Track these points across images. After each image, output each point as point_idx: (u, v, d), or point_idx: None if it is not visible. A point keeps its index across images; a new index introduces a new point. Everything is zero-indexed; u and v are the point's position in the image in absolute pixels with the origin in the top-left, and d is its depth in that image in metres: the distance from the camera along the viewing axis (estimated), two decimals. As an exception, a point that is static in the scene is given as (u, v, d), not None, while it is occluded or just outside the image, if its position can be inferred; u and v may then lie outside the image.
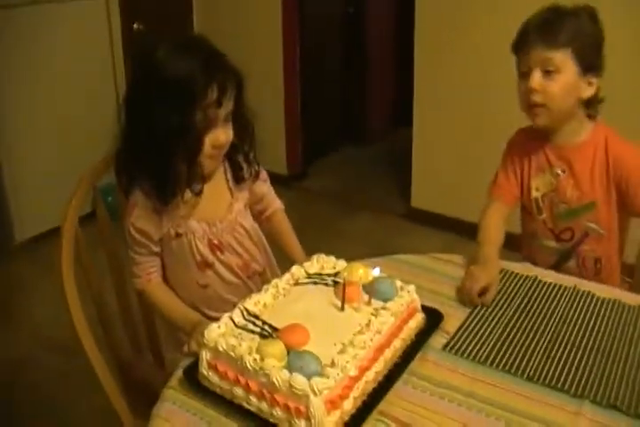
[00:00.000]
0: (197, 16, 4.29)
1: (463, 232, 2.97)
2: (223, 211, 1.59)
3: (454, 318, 1.43)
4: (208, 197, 1.54)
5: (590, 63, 1.59)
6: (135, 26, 3.84)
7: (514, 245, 1.89)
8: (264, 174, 1.70)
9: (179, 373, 1.27)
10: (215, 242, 1.58)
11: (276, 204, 1.77)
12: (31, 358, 2.63)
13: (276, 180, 1.80)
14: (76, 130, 3.63)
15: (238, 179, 1.61)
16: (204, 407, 1.19)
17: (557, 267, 1.76)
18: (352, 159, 4.77)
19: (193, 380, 1.23)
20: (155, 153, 1.41)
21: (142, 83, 1.42)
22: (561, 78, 1.57)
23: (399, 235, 3.54)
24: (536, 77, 1.58)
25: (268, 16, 4.06)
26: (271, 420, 1.12)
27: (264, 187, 1.72)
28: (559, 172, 1.70)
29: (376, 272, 1.36)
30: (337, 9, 4.71)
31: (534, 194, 1.75)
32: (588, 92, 1.62)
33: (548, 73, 1.57)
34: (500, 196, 1.79)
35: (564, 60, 1.56)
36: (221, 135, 1.43)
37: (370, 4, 4.78)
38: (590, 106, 1.68)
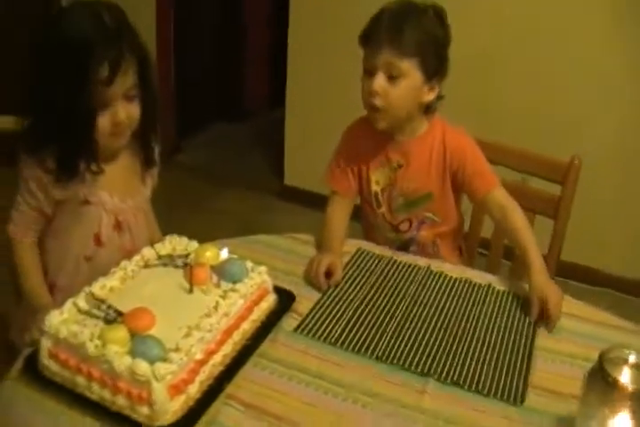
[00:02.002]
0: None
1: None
2: (134, 191, 1.57)
3: (307, 299, 1.43)
4: (119, 178, 1.52)
5: (435, 71, 1.58)
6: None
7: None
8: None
9: (19, 363, 1.21)
10: (120, 219, 1.54)
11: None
12: None
13: None
14: None
15: (149, 161, 1.57)
16: (45, 399, 1.13)
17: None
18: (227, 137, 4.70)
19: (33, 370, 1.17)
20: (51, 129, 1.36)
21: (36, 55, 1.35)
22: (404, 84, 1.55)
23: (271, 213, 3.53)
24: (379, 81, 1.55)
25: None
26: (113, 408, 1.09)
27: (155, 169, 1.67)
28: (397, 166, 1.71)
29: (224, 254, 1.34)
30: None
31: (374, 188, 1.75)
32: (429, 97, 1.62)
33: (391, 78, 1.55)
34: (339, 189, 1.77)
35: (410, 68, 1.54)
36: (121, 113, 1.37)
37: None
38: (429, 107, 1.68)
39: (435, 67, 1.58)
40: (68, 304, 1.20)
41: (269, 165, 4.14)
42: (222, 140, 4.65)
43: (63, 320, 1.15)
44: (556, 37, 2.88)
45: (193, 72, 4.46)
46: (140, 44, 1.38)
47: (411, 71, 1.54)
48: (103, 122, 1.37)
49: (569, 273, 2.65)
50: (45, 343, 1.15)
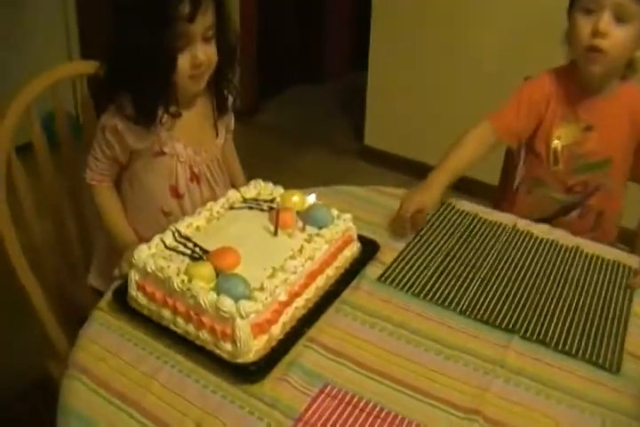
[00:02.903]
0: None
1: (416, 173, 2.95)
2: (208, 143, 1.56)
3: (391, 249, 1.41)
4: (194, 126, 1.52)
5: None
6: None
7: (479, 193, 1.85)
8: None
9: (108, 294, 1.24)
10: (195, 171, 1.54)
11: (229, 135, 1.73)
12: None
13: None
14: (22, 55, 3.46)
15: (222, 110, 1.57)
16: (132, 329, 1.16)
17: (556, 217, 1.72)
18: (307, 98, 4.68)
19: (122, 301, 1.20)
20: (132, 72, 1.36)
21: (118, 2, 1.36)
22: (630, 29, 1.47)
23: (350, 173, 3.50)
24: (606, 21, 1.46)
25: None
26: (197, 342, 1.10)
27: (231, 120, 1.68)
28: (587, 126, 1.63)
29: (311, 199, 1.33)
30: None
31: (554, 143, 1.66)
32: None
33: (618, 20, 1.46)
34: (498, 125, 1.65)
35: (638, 12, 1.46)
36: (200, 54, 1.36)
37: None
38: (631, 66, 1.59)
39: None
40: (156, 240, 1.21)
41: (350, 126, 4.11)
42: (303, 101, 4.63)
43: (151, 255, 1.17)
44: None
45: (275, 33, 4.43)
46: None
47: (637, 16, 1.46)
48: (183, 62, 1.36)
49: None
50: (134, 276, 1.16)
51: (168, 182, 1.52)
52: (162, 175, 1.52)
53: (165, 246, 1.21)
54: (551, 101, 1.64)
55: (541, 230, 1.55)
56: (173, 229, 1.24)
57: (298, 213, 1.31)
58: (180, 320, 1.11)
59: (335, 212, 1.33)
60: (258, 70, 4.26)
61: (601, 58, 1.50)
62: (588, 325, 1.25)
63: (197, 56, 1.36)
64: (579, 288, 1.35)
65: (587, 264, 1.44)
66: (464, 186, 1.81)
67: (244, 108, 4.18)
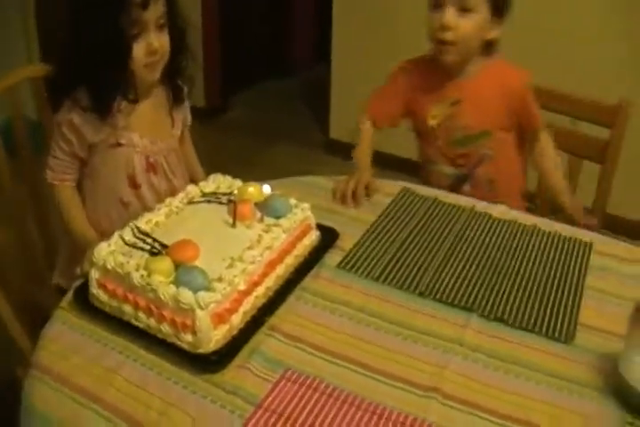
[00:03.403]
0: None
1: (380, 164, 2.98)
2: (164, 133, 1.59)
3: (351, 236, 1.43)
4: (150, 117, 1.54)
5: (501, 6, 1.60)
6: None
7: (411, 171, 1.94)
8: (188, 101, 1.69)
9: (69, 294, 1.25)
10: (151, 160, 1.56)
11: (187, 132, 1.75)
12: None
13: (193, 112, 1.74)
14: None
15: (177, 99, 1.60)
16: (94, 327, 1.17)
17: (452, 190, 1.77)
18: (274, 92, 4.68)
19: (83, 300, 1.21)
20: (87, 62, 1.39)
21: None
22: (474, 18, 1.58)
23: (317, 165, 3.51)
24: (450, 14, 1.57)
25: None
26: (159, 336, 1.11)
27: (187, 114, 1.71)
28: (455, 101, 1.72)
29: (266, 189, 1.35)
30: None
31: (430, 122, 1.76)
32: (492, 33, 1.64)
33: (462, 11, 1.57)
34: (376, 115, 1.83)
35: (479, 3, 1.57)
36: (154, 41, 1.40)
37: None
38: (490, 46, 1.69)
39: (502, 2, 1.60)
40: (115, 237, 1.22)
41: (316, 119, 4.12)
42: (269, 96, 4.63)
43: (110, 252, 1.18)
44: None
45: (239, 27, 4.42)
46: None
47: (480, 5, 1.57)
48: (138, 50, 1.40)
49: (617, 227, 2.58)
50: (94, 274, 1.17)
51: (125, 173, 1.54)
52: (119, 166, 1.54)
53: (125, 243, 1.22)
54: (418, 87, 1.75)
55: (500, 211, 1.58)
56: (132, 226, 1.25)
57: (256, 204, 1.32)
58: (141, 315, 1.12)
59: (293, 201, 1.35)
60: (223, 67, 4.26)
61: (451, 49, 1.62)
62: (545, 300, 1.27)
63: (152, 43, 1.40)
64: (535, 265, 1.38)
65: (544, 241, 1.47)
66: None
67: (211, 105, 4.18)
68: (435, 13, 1.59)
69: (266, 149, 3.81)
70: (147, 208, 1.55)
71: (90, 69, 1.41)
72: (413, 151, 1.93)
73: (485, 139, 1.74)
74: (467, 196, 1.70)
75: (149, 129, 1.55)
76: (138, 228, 1.25)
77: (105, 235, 1.54)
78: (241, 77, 4.54)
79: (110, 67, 1.40)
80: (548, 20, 2.91)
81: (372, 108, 1.84)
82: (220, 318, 1.09)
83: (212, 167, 1.80)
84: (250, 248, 1.19)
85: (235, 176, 1.46)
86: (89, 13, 1.36)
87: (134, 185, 1.57)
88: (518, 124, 1.75)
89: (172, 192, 1.58)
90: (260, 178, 1.49)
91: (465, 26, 1.58)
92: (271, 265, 1.22)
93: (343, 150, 3.57)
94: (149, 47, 1.40)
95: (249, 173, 1.50)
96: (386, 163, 1.82)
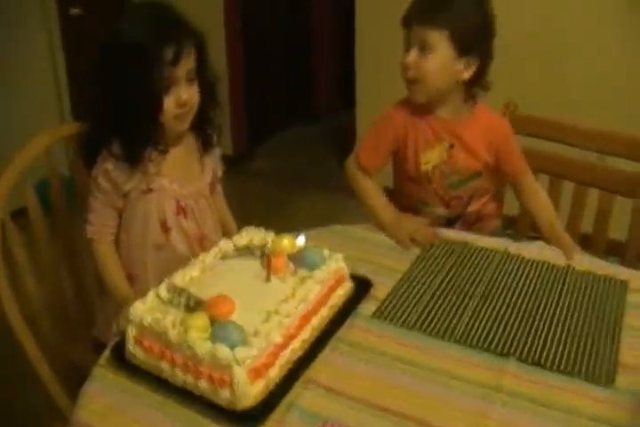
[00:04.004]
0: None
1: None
2: (194, 178, 1.63)
3: (384, 285, 1.44)
4: (180, 163, 1.59)
5: (468, 46, 1.62)
6: (73, 10, 3.74)
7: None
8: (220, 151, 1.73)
9: (107, 351, 1.26)
10: (182, 204, 1.60)
11: (218, 186, 1.79)
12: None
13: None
14: (15, 116, 3.54)
15: (206, 145, 1.64)
16: (132, 384, 1.17)
17: None
18: (298, 140, 4.75)
19: (120, 357, 1.22)
20: (119, 116, 1.46)
21: (103, 53, 1.46)
22: (434, 57, 1.62)
23: (346, 212, 3.52)
24: (411, 54, 1.63)
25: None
26: (196, 392, 1.12)
27: (218, 166, 1.74)
28: (449, 145, 1.74)
29: (300, 241, 1.36)
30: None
31: (424, 167, 1.77)
32: (465, 74, 1.66)
33: (423, 51, 1.62)
34: (370, 166, 1.82)
35: (439, 41, 1.60)
36: (183, 94, 1.46)
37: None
38: (472, 87, 1.72)
39: (468, 42, 1.62)
40: (151, 294, 1.24)
41: (342, 165, 4.15)
42: (294, 143, 4.70)
43: (146, 309, 1.19)
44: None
45: (262, 77, 4.51)
46: (196, 29, 1.48)
47: (440, 44, 1.61)
48: (169, 103, 1.45)
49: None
50: (131, 332, 1.19)
51: (157, 217, 1.58)
52: (151, 211, 1.57)
53: (161, 300, 1.23)
54: (409, 130, 1.75)
55: (532, 252, 1.58)
56: (167, 283, 1.27)
57: (289, 256, 1.34)
58: (178, 372, 1.13)
59: (326, 252, 1.36)
60: (249, 115, 4.34)
61: (415, 88, 1.67)
62: (583, 342, 1.27)
63: (181, 97, 1.45)
64: (571, 306, 1.38)
65: (578, 282, 1.47)
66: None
67: (236, 155, 4.24)
68: (403, 53, 1.66)
69: (294, 197, 3.85)
70: (178, 252, 1.60)
71: (122, 123, 1.47)
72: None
73: (477, 180, 1.79)
74: None
75: (179, 174, 1.59)
76: (173, 284, 1.27)
77: (138, 280, 1.61)
78: (267, 125, 4.62)
79: (141, 121, 1.46)
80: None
81: (364, 160, 1.82)
82: (257, 373, 1.10)
83: (240, 216, 1.84)
84: (285, 301, 1.20)
85: (264, 225, 1.47)
86: (121, 71, 1.41)
87: (165, 229, 1.60)
88: (502, 168, 1.80)
89: (201, 238, 1.64)
90: (290, 227, 1.51)
91: (425, 64, 1.62)
92: (306, 317, 1.22)
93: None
94: (179, 100, 1.45)
95: (279, 222, 1.52)
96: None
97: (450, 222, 1.83)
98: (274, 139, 4.71)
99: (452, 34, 1.60)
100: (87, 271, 1.70)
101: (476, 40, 1.64)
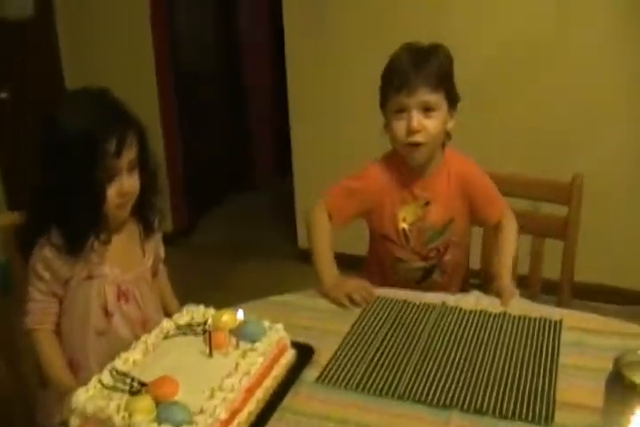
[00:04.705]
0: (68, 76, 4.21)
1: (351, 266, 3.06)
2: (135, 263, 1.65)
3: (328, 350, 1.46)
4: (122, 249, 1.61)
5: (455, 99, 1.73)
6: (2, 95, 3.72)
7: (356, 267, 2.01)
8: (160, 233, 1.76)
9: (52, 445, 1.25)
10: (123, 289, 1.61)
11: (161, 265, 1.82)
12: None
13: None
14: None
15: (148, 231, 1.66)
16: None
17: (422, 282, 1.86)
18: (239, 208, 4.80)
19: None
20: (59, 205, 1.47)
21: (44, 142, 1.49)
22: (438, 116, 1.69)
23: (290, 276, 3.55)
24: (418, 118, 1.67)
25: (142, 70, 4.05)
26: (148, 477, 1.12)
27: (160, 248, 1.77)
28: (425, 202, 1.80)
29: (240, 315, 1.38)
30: (211, 58, 4.79)
31: (401, 225, 1.82)
32: (451, 124, 1.75)
33: (426, 112, 1.67)
34: (334, 212, 1.82)
35: (440, 101, 1.68)
36: (125, 183, 1.49)
37: (245, 47, 4.91)
38: (448, 138, 1.80)
39: (454, 95, 1.72)
40: (93, 381, 1.23)
41: (283, 230, 4.21)
42: (235, 214, 4.74)
43: (89, 397, 1.19)
44: (554, 52, 3.02)
45: (200, 151, 4.57)
46: (137, 119, 1.52)
47: (441, 103, 1.68)
48: (111, 193, 1.48)
49: (586, 293, 2.63)
50: (74, 422, 1.18)
51: (98, 303, 1.59)
52: (91, 297, 1.58)
53: (103, 386, 1.24)
54: (385, 189, 1.80)
55: (469, 302, 1.63)
56: (110, 368, 1.27)
57: (230, 331, 1.36)
58: (127, 458, 1.13)
59: (267, 323, 1.39)
60: (187, 190, 4.37)
61: (421, 149, 1.71)
62: (522, 384, 1.31)
63: (123, 186, 1.48)
64: (509, 351, 1.42)
65: (514, 327, 1.52)
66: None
67: (177, 230, 4.25)
68: (399, 117, 1.69)
69: (237, 267, 3.88)
70: (120, 336, 1.60)
71: (62, 212, 1.48)
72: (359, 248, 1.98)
73: (450, 228, 1.83)
74: (436, 283, 1.81)
75: (120, 259, 1.61)
76: (115, 369, 1.27)
77: (79, 366, 1.60)
78: (206, 197, 4.65)
79: (83, 211, 1.48)
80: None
81: (331, 204, 1.83)
82: (205, 451, 1.10)
83: (183, 291, 1.85)
84: (228, 376, 1.21)
85: (207, 299, 1.49)
86: (62, 158, 1.44)
87: (107, 314, 1.60)
88: (479, 214, 1.84)
89: (143, 321, 1.65)
90: (235, 299, 1.53)
91: (432, 125, 1.68)
92: (251, 390, 1.24)
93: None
94: (121, 189, 1.49)
95: (223, 295, 1.55)
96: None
97: (427, 273, 1.87)
98: (213, 211, 4.75)
99: (446, 91, 1.69)
100: (25, 361, 1.68)
101: (455, 90, 1.73)
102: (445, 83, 1.69)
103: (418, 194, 1.79)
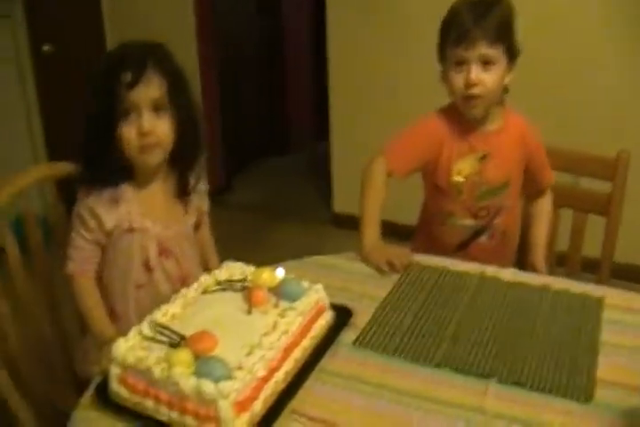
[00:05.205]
0: (110, 34, 4.24)
1: (387, 232, 3.04)
2: (176, 220, 1.64)
3: (364, 313, 1.45)
4: (161, 204, 1.61)
5: (514, 53, 1.70)
6: (45, 48, 3.77)
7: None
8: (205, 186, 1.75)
9: (90, 391, 1.26)
10: (164, 245, 1.61)
11: (205, 218, 1.81)
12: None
13: None
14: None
15: (183, 192, 1.64)
16: (116, 423, 1.17)
17: (468, 243, 1.85)
18: (275, 170, 4.81)
19: (103, 397, 1.22)
20: (88, 143, 1.48)
21: (86, 83, 1.50)
22: (496, 70, 1.67)
23: (325, 240, 3.58)
24: (474, 71, 1.66)
25: (183, 31, 4.05)
26: (182, 428, 1.13)
27: (204, 202, 1.76)
28: (483, 155, 1.78)
29: (280, 273, 1.37)
30: (253, 22, 4.74)
31: (456, 178, 1.79)
32: (508, 78, 1.72)
33: (485, 65, 1.66)
34: (395, 169, 1.79)
35: (500, 55, 1.66)
36: (146, 123, 1.45)
37: (286, 16, 4.82)
38: (505, 92, 1.78)
39: (514, 49, 1.69)
40: (133, 332, 1.24)
41: (319, 194, 4.20)
42: (271, 174, 4.75)
43: (129, 347, 1.20)
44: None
45: (237, 108, 4.56)
46: (171, 68, 1.49)
47: (500, 57, 1.66)
48: (129, 131, 1.45)
49: (625, 274, 2.59)
50: (114, 371, 1.19)
51: (140, 257, 1.59)
52: (133, 251, 1.58)
53: (143, 337, 1.24)
54: (445, 140, 1.78)
55: (509, 274, 1.61)
56: (150, 320, 1.28)
57: (270, 289, 1.35)
58: (163, 408, 1.13)
59: (306, 284, 1.38)
60: (225, 148, 4.37)
61: (479, 102, 1.69)
62: (561, 360, 1.29)
63: (143, 125, 1.44)
64: (549, 325, 1.40)
65: (555, 301, 1.49)
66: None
67: (214, 188, 4.25)
68: (458, 70, 1.68)
69: (273, 228, 3.89)
70: (160, 291, 1.61)
71: (91, 149, 1.49)
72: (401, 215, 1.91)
73: (505, 190, 1.81)
74: (484, 247, 1.81)
75: (162, 215, 1.60)
76: (155, 321, 1.28)
77: (119, 316, 1.61)
78: (243, 157, 4.65)
79: (103, 145, 1.46)
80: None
81: (392, 158, 1.80)
82: (242, 407, 1.10)
83: (221, 249, 1.85)
84: (267, 334, 1.21)
85: (244, 258, 1.49)
86: (89, 96, 1.46)
87: (148, 268, 1.61)
88: (530, 178, 1.85)
89: (183, 277, 1.65)
90: (269, 259, 1.52)
91: (490, 79, 1.67)
92: (289, 349, 1.24)
93: (349, 223, 3.67)
94: (140, 128, 1.45)
95: (259, 254, 1.54)
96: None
97: (477, 234, 1.86)
98: (250, 170, 4.75)
99: (506, 45, 1.66)
100: (66, 309, 1.70)
101: (515, 43, 1.69)
102: (506, 36, 1.66)
103: (476, 146, 1.78)
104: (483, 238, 1.86)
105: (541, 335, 1.37)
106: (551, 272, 1.92)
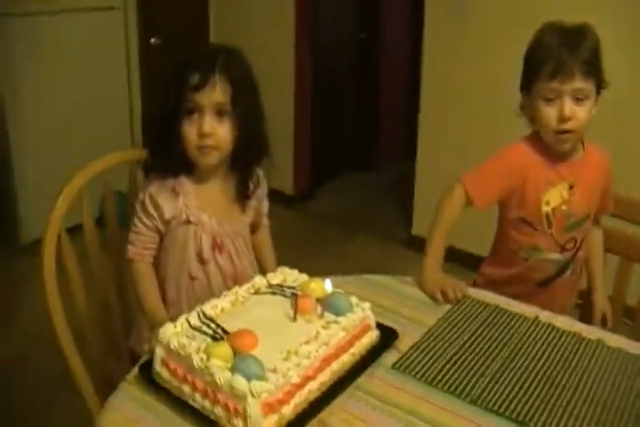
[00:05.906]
0: (214, 31, 4.37)
1: (458, 261, 3.01)
2: (233, 218, 1.68)
3: (409, 337, 1.45)
4: (218, 201, 1.65)
5: (602, 85, 1.67)
6: (153, 40, 3.93)
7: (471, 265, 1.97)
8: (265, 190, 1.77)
9: (135, 368, 1.31)
10: (218, 240, 1.65)
11: (264, 220, 1.84)
12: (26, 358, 2.73)
13: (281, 198, 1.82)
14: (90, 137, 3.70)
15: (242, 195, 1.68)
16: (155, 402, 1.23)
17: (554, 279, 1.82)
18: (358, 185, 4.83)
19: (147, 375, 1.27)
20: (155, 133, 1.58)
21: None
22: (588, 104, 1.64)
23: (396, 260, 3.57)
24: (568, 106, 1.62)
25: (282, 36, 4.15)
26: (212, 417, 1.16)
27: (263, 204, 1.79)
28: (570, 185, 1.75)
29: (327, 285, 1.39)
30: (350, 35, 4.80)
31: (544, 209, 1.75)
32: (595, 110, 1.68)
33: (578, 100, 1.63)
34: (476, 196, 1.75)
35: (592, 88, 1.63)
36: (207, 125, 1.50)
37: (384, 29, 4.86)
38: None
39: (602, 81, 1.66)
40: (181, 319, 1.29)
41: (399, 214, 4.20)
42: (355, 188, 4.77)
43: (175, 333, 1.24)
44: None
45: (329, 122, 4.61)
46: (239, 75, 1.53)
47: (592, 90, 1.63)
48: (191, 131, 1.52)
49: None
50: (159, 352, 1.24)
51: (194, 249, 1.63)
52: (188, 242, 1.63)
53: (190, 326, 1.28)
54: (531, 169, 1.74)
55: (564, 322, 1.57)
56: (199, 310, 1.32)
57: (319, 300, 1.37)
58: (197, 396, 1.18)
59: (354, 300, 1.39)
60: (312, 157, 4.43)
61: (571, 136, 1.66)
62: (604, 417, 1.24)
63: (203, 126, 1.50)
64: (596, 382, 1.35)
65: (608, 358, 1.44)
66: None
67: (298, 194, 4.34)
68: (550, 107, 1.64)
69: (347, 240, 3.91)
70: (212, 284, 1.66)
71: (158, 143, 1.57)
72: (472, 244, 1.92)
73: (588, 221, 1.80)
74: (565, 283, 1.80)
75: (218, 211, 1.65)
76: (204, 312, 1.32)
77: (171, 304, 1.67)
78: (329, 169, 4.70)
79: (167, 137, 1.53)
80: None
81: (474, 187, 1.75)
82: (270, 408, 1.13)
83: (291, 251, 1.87)
84: (307, 343, 1.23)
85: (313, 263, 1.52)
86: (164, 88, 1.53)
87: (202, 261, 1.65)
88: (601, 201, 1.83)
89: (236, 275, 1.69)
90: (337, 270, 1.53)
91: (582, 113, 1.63)
92: (327, 361, 1.25)
93: (423, 247, 3.66)
94: (200, 129, 1.50)
95: (327, 263, 1.56)
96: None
97: (562, 269, 1.82)
98: (335, 182, 4.79)
99: (597, 78, 1.63)
100: (130, 287, 1.77)
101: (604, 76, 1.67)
102: (597, 68, 1.63)
103: (564, 175, 1.74)
104: (567, 273, 1.82)
105: (586, 391, 1.32)
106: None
